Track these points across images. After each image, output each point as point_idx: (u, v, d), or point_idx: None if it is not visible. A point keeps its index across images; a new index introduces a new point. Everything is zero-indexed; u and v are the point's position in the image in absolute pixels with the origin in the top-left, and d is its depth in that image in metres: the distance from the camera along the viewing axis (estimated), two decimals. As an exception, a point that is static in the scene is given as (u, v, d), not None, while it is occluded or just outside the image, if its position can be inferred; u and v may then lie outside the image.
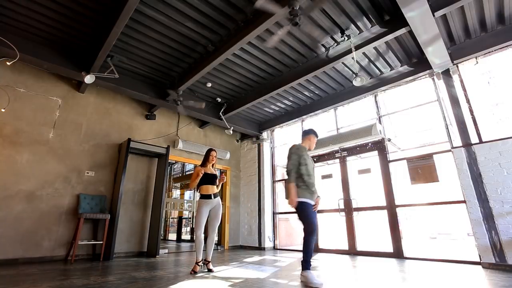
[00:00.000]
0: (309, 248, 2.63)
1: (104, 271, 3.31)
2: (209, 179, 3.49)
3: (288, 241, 7.07)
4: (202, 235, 3.34)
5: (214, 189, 3.50)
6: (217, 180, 3.56)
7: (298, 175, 2.88)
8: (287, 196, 2.82)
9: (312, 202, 2.87)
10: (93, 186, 4.79)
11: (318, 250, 5.61)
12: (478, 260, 3.62)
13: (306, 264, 2.62)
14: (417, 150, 5.02)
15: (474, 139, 3.94)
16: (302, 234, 2.71)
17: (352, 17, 3.73)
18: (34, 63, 4.18)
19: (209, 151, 3.64)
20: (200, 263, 3.28)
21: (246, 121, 6.98)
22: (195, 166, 3.69)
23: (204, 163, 3.58)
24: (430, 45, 3.79)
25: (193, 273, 3.13)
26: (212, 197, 3.43)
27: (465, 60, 4.23)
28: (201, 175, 3.38)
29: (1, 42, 3.68)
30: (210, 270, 3.30)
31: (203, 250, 3.37)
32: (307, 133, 3.33)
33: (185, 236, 10.32)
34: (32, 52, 4.00)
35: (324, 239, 5.96)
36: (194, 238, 3.38)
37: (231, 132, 6.40)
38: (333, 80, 5.30)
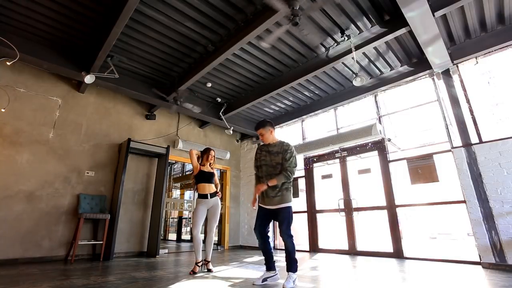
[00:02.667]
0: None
1: (104, 271, 3.31)
2: (206, 177, 3.48)
3: (288, 241, 7.06)
4: (200, 235, 3.34)
5: (212, 188, 3.48)
6: (215, 181, 3.58)
7: None
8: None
9: (261, 204, 2.83)
10: (93, 186, 4.79)
11: (318, 250, 5.62)
12: (478, 260, 3.62)
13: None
14: (417, 150, 5.01)
15: (474, 139, 3.94)
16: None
17: (352, 17, 3.73)
18: (34, 63, 4.18)
19: (207, 150, 3.62)
20: (199, 264, 3.27)
21: (246, 121, 6.98)
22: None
23: (201, 161, 3.58)
24: (430, 45, 3.79)
25: (193, 273, 3.12)
26: (209, 196, 3.42)
27: (465, 60, 4.23)
28: (196, 152, 3.49)
29: (1, 42, 3.68)
30: (209, 270, 3.29)
31: (202, 250, 3.36)
32: (272, 125, 2.93)
33: (185, 236, 10.32)
34: (32, 52, 4.00)
35: (324, 239, 5.96)
36: (193, 239, 3.37)
37: (231, 132, 6.40)
38: (333, 80, 5.30)
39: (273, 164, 2.75)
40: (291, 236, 2.62)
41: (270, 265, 2.71)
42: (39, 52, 4.07)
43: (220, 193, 3.58)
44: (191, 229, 9.88)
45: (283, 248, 2.66)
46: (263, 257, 2.78)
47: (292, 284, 2.45)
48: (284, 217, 2.66)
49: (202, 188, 3.44)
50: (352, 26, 3.91)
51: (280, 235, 2.68)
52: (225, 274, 3.15)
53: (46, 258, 4.09)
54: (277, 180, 2.63)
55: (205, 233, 3.52)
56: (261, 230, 2.75)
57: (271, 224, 2.91)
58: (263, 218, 2.79)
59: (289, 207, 2.69)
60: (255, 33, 3.62)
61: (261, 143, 2.99)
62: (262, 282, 2.60)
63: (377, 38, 3.86)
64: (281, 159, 2.73)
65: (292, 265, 2.56)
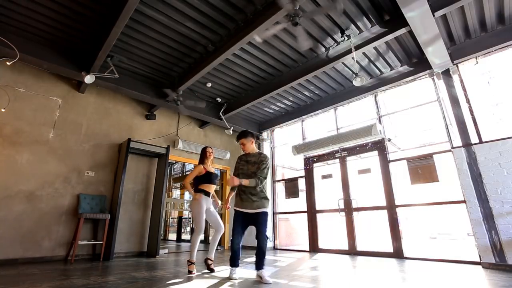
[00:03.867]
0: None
1: (104, 271, 3.31)
2: (212, 179, 3.50)
3: (288, 241, 7.07)
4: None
5: (213, 190, 3.53)
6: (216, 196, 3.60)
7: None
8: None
9: (238, 209, 3.02)
10: (93, 186, 4.79)
11: (318, 250, 5.62)
12: (478, 260, 3.62)
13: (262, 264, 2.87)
14: (417, 150, 5.01)
15: (474, 139, 3.94)
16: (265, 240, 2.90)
17: (352, 17, 3.73)
18: (34, 63, 4.18)
19: (205, 148, 3.64)
20: (194, 263, 3.23)
21: (246, 121, 6.98)
22: (195, 166, 3.67)
23: (203, 161, 3.57)
24: (430, 45, 3.79)
25: (194, 274, 3.11)
26: (210, 196, 3.46)
27: (465, 60, 4.23)
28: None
29: (1, 42, 3.68)
30: (211, 270, 3.28)
31: (198, 250, 3.35)
32: (253, 135, 3.21)
33: (185, 236, 10.32)
34: (32, 52, 4.00)
35: (324, 239, 5.96)
36: (194, 237, 3.30)
37: (231, 132, 6.40)
38: (333, 80, 5.30)
39: (249, 173, 2.98)
40: (267, 238, 2.93)
41: (237, 263, 2.96)
42: (39, 52, 4.07)
43: (217, 199, 3.62)
44: (192, 229, 9.91)
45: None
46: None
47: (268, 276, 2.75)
48: (263, 221, 2.92)
49: (208, 187, 3.46)
50: (352, 26, 3.91)
51: (258, 237, 2.87)
52: (225, 274, 3.15)
53: (46, 258, 4.09)
54: (250, 182, 2.88)
55: (207, 233, 3.50)
56: (242, 232, 2.99)
57: (270, 227, 3.01)
58: (242, 222, 2.99)
59: (267, 212, 2.99)
60: (255, 33, 3.61)
61: (260, 145, 3.13)
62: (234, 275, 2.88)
63: (377, 38, 3.86)
64: (256, 168, 2.98)
65: (263, 262, 2.85)
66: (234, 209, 3.03)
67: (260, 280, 2.75)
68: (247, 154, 3.14)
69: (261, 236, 2.85)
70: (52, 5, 3.43)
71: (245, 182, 2.86)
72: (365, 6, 3.59)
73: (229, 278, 2.85)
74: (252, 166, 3.00)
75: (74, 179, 4.61)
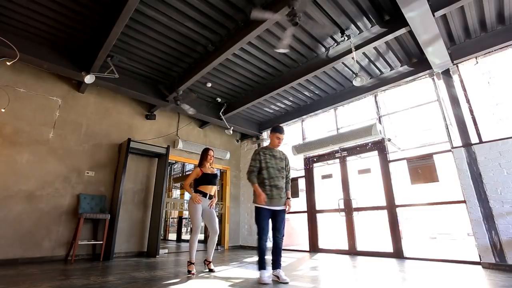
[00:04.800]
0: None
1: (104, 271, 3.31)
2: (210, 179, 3.49)
3: (288, 241, 7.07)
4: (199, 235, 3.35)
5: (213, 190, 3.50)
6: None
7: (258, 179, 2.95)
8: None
9: (266, 206, 2.84)
10: (93, 186, 4.79)
11: (318, 250, 5.62)
12: (478, 260, 3.62)
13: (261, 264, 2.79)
14: (417, 150, 5.02)
15: (474, 139, 3.94)
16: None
17: (352, 17, 3.73)
18: (34, 63, 4.18)
19: (206, 150, 3.62)
20: (194, 263, 3.23)
21: (246, 121, 6.98)
22: (195, 166, 3.67)
23: (201, 163, 3.57)
24: (430, 45, 3.78)
25: (193, 274, 3.12)
26: (207, 197, 3.43)
27: (465, 60, 4.22)
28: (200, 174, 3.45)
29: (1, 42, 3.68)
30: (211, 270, 3.29)
31: (197, 250, 3.35)
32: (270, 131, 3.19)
33: (185, 236, 10.32)
34: (32, 52, 4.00)
35: (324, 239, 5.96)
36: (191, 237, 3.32)
37: (231, 132, 6.40)
38: (333, 80, 5.30)
39: (279, 168, 2.97)
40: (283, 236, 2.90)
41: (265, 265, 2.80)
42: (39, 52, 4.07)
43: (216, 198, 3.57)
44: (192, 229, 9.90)
45: (283, 248, 2.74)
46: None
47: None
48: (283, 217, 2.88)
49: (205, 188, 3.44)
50: (352, 26, 3.91)
51: (277, 235, 2.84)
52: (225, 274, 3.15)
53: (46, 258, 4.09)
54: (290, 190, 3.03)
55: (207, 234, 3.50)
56: (268, 230, 2.88)
57: (286, 225, 3.07)
58: (268, 219, 2.90)
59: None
60: (255, 33, 3.62)
61: (260, 145, 3.10)
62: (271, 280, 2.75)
63: (377, 38, 3.86)
64: (284, 165, 3.03)
65: (280, 261, 2.83)
66: (260, 207, 2.82)
67: (277, 279, 2.70)
68: (270, 148, 3.06)
69: (279, 234, 2.85)
70: (52, 5, 3.43)
71: (289, 194, 3.01)
72: (365, 6, 3.59)
73: (261, 282, 2.65)
74: (280, 161, 2.99)
75: (74, 179, 4.61)
